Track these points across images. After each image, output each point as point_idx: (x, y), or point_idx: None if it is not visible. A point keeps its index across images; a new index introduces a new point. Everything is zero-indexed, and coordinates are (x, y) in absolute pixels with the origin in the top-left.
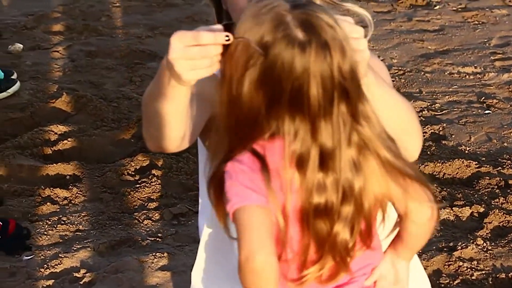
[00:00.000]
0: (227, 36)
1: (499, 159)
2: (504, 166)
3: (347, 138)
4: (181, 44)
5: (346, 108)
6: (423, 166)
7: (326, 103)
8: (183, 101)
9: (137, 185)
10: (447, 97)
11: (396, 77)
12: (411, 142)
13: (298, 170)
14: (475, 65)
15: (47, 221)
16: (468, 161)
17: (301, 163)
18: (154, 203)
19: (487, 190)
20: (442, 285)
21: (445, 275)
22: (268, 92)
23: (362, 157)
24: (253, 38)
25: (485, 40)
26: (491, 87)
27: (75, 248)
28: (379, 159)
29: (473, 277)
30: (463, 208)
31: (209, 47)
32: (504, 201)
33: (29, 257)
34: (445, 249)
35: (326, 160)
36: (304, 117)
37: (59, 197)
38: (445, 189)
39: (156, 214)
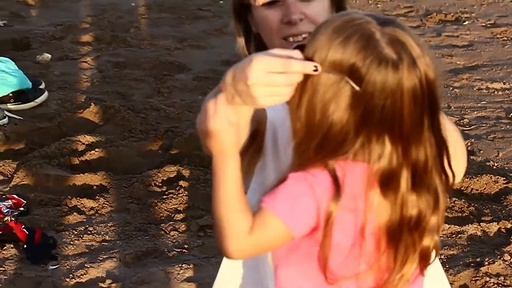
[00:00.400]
0: (315, 66)
1: None
2: None
3: (435, 150)
4: (264, 69)
5: (432, 121)
6: None
7: (418, 118)
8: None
9: (164, 196)
10: (475, 112)
11: None
12: (460, 166)
13: (382, 189)
14: (504, 81)
15: (73, 231)
16: (496, 177)
17: (388, 182)
18: (181, 214)
19: None
20: None
21: None
22: (358, 114)
23: None
24: (338, 59)
25: None
26: None
27: (101, 259)
28: None
29: None
30: (491, 223)
31: (295, 75)
32: None
33: (54, 267)
34: (472, 264)
35: (419, 176)
36: (395, 135)
37: (85, 207)
38: (472, 204)
39: (183, 226)
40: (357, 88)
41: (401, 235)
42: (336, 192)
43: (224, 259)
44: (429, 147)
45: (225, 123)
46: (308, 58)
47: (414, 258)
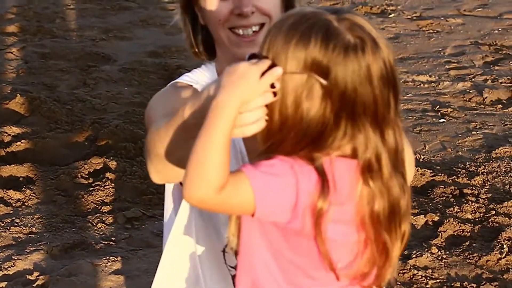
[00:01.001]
0: (274, 92)
1: (454, 168)
2: (459, 175)
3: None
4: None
5: (395, 105)
6: None
7: (387, 100)
8: None
9: (91, 188)
10: (401, 105)
11: None
12: (411, 172)
13: (370, 177)
14: (430, 74)
15: (0, 223)
16: (423, 170)
17: (373, 169)
18: (108, 206)
19: (441, 198)
20: None
21: (399, 283)
22: (334, 105)
23: None
24: (301, 57)
25: (440, 49)
26: (446, 96)
27: (28, 251)
28: None
29: (427, 286)
30: (418, 216)
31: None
32: (458, 210)
33: None
34: (399, 257)
35: (393, 160)
36: (372, 120)
37: (12, 199)
38: None
39: (110, 218)
40: (324, 82)
41: (390, 222)
42: (323, 188)
43: (164, 256)
44: (397, 130)
45: (258, 75)
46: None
47: (399, 246)
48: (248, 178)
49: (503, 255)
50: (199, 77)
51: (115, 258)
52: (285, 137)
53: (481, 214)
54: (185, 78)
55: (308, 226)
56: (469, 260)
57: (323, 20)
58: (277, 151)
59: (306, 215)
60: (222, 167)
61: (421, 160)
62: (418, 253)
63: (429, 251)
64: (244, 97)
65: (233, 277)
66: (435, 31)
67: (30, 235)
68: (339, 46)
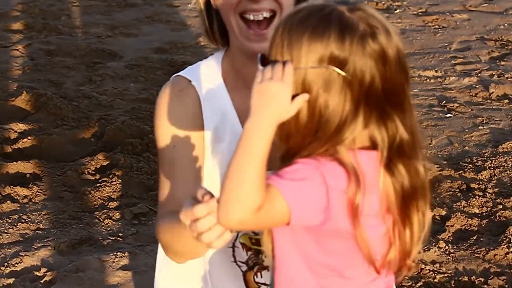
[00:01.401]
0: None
1: (461, 163)
2: (466, 169)
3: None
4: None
5: (408, 90)
6: None
7: (402, 86)
8: None
9: (98, 184)
10: None
11: None
12: None
13: (389, 166)
14: (436, 69)
15: (7, 219)
16: (430, 165)
17: (402, 153)
18: (115, 202)
19: (448, 193)
20: None
21: (407, 278)
22: (353, 97)
23: None
24: (319, 53)
25: (446, 44)
26: (452, 91)
27: (35, 247)
28: None
29: (435, 280)
30: None
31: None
32: (465, 205)
33: None
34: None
35: (414, 143)
36: (393, 106)
37: (19, 195)
38: None
39: (117, 214)
40: (343, 74)
41: (412, 202)
42: (355, 182)
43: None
44: (413, 115)
45: (289, 95)
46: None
47: (419, 226)
48: (279, 189)
49: (511, 249)
50: (201, 70)
51: (123, 254)
52: (304, 137)
53: (488, 209)
54: (186, 72)
55: (344, 224)
56: (477, 255)
57: (335, 11)
58: (298, 154)
59: (340, 213)
60: (259, 188)
61: (427, 155)
62: (425, 247)
63: (437, 246)
64: (278, 118)
65: (244, 272)
66: (441, 27)
67: (37, 232)
68: (355, 36)
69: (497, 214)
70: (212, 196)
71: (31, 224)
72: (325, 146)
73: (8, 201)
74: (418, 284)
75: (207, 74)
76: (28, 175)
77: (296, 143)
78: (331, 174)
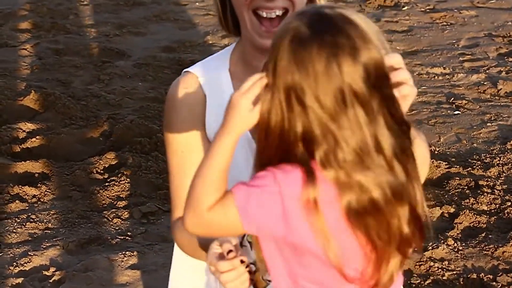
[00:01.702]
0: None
1: (469, 160)
2: (474, 166)
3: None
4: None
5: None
6: None
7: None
8: None
9: (106, 184)
10: (416, 97)
11: None
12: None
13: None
14: (444, 66)
15: (16, 219)
16: (438, 162)
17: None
18: (123, 201)
19: (457, 190)
20: (413, 285)
21: (416, 275)
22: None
23: None
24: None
25: (454, 41)
26: (460, 88)
27: (44, 246)
28: None
29: (444, 277)
30: (434, 208)
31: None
32: (474, 202)
33: None
34: (415, 249)
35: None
36: (367, 111)
37: (27, 195)
38: None
39: (126, 213)
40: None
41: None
42: (309, 177)
43: (176, 252)
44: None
45: (248, 104)
46: None
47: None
48: (233, 196)
49: None
50: (209, 66)
51: (131, 253)
52: (270, 145)
53: (497, 206)
54: (195, 69)
55: (307, 237)
56: (485, 252)
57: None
58: (270, 162)
59: (300, 225)
60: (215, 190)
61: (436, 152)
62: (434, 245)
63: (445, 243)
64: (238, 130)
65: (253, 272)
66: (448, 24)
67: (46, 231)
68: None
69: (505, 211)
70: (236, 253)
71: (39, 224)
72: (296, 155)
73: (17, 201)
74: (427, 282)
75: (216, 68)
76: (36, 175)
77: (267, 151)
78: (289, 181)
